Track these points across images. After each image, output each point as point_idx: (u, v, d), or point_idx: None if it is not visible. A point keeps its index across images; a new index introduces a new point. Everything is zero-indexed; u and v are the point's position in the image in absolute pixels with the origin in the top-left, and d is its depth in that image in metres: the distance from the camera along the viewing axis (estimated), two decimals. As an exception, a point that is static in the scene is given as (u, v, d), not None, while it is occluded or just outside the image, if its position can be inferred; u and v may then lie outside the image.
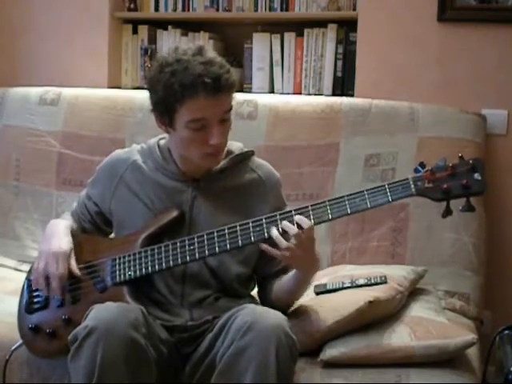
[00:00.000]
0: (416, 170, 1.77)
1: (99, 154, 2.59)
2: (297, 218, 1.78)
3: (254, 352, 1.63)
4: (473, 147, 2.46)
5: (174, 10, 3.03)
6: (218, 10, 2.98)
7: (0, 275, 2.59)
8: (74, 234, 2.00)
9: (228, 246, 1.82)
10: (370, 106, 2.56)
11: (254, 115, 2.63)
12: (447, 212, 1.76)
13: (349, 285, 2.02)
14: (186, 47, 1.85)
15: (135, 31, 3.08)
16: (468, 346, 1.86)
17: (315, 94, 2.84)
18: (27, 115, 2.86)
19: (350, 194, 1.78)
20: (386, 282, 2.00)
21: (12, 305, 2.05)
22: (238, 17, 2.98)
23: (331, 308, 1.93)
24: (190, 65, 1.79)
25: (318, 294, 2.05)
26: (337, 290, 2.03)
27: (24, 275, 2.10)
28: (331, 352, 1.86)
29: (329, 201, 1.79)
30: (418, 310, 2.05)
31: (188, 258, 1.84)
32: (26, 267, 2.47)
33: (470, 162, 1.74)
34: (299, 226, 1.76)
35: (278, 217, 1.80)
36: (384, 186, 1.77)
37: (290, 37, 2.88)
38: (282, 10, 2.90)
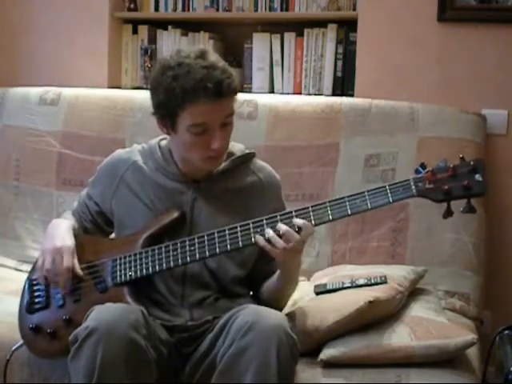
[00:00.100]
0: (417, 171, 1.77)
1: (99, 154, 2.59)
2: (300, 222, 1.77)
3: (255, 352, 1.63)
4: (473, 147, 2.46)
5: (174, 10, 3.03)
6: (218, 10, 2.98)
7: (0, 275, 2.59)
8: (75, 235, 2.00)
9: (229, 246, 1.82)
10: (370, 106, 2.57)
11: (254, 115, 2.64)
12: (448, 213, 1.76)
13: (349, 285, 2.02)
14: (189, 50, 1.84)
15: (135, 31, 3.08)
16: (468, 345, 1.86)
17: (315, 94, 2.84)
18: (27, 115, 2.86)
19: (351, 195, 1.78)
20: (385, 282, 2.00)
21: (12, 305, 2.05)
22: (238, 17, 2.98)
23: (331, 308, 1.93)
24: (191, 69, 1.78)
25: (318, 294, 2.06)
26: (337, 289, 2.03)
27: (24, 275, 2.10)
28: (331, 352, 1.86)
29: (329, 202, 1.79)
30: (418, 310, 2.05)
31: (188, 258, 1.84)
32: (26, 267, 2.48)
33: (471, 163, 1.74)
34: (300, 229, 1.76)
35: (278, 218, 1.80)
36: (385, 186, 1.77)
37: (290, 37, 2.88)
38: (282, 10, 2.90)
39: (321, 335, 1.90)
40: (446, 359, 1.85)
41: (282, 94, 2.89)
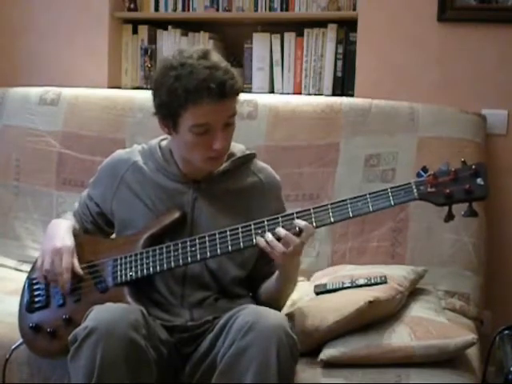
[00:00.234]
0: (418, 175, 1.77)
1: (99, 154, 2.60)
2: (301, 223, 1.77)
3: (255, 352, 1.63)
4: (473, 147, 2.46)
5: (174, 9, 3.03)
6: (218, 10, 2.98)
7: (0, 275, 2.59)
8: (75, 234, 2.00)
9: (230, 247, 1.82)
10: (370, 106, 2.56)
11: (254, 115, 2.64)
12: (449, 217, 1.76)
13: (349, 285, 2.02)
14: (191, 50, 1.84)
15: (135, 31, 3.08)
16: (468, 345, 1.86)
17: (315, 94, 2.84)
18: (27, 115, 2.86)
19: (352, 198, 1.78)
20: (385, 282, 2.00)
21: (12, 305, 2.05)
22: (238, 17, 2.98)
23: (331, 308, 1.93)
24: (194, 69, 1.78)
25: (318, 294, 2.06)
26: (337, 289, 2.03)
27: (24, 275, 2.10)
28: (331, 352, 1.86)
29: (331, 204, 1.79)
30: (418, 310, 2.04)
31: (189, 259, 1.84)
32: (26, 267, 2.47)
33: (473, 166, 1.74)
34: (301, 230, 1.76)
35: (280, 219, 1.80)
36: (386, 190, 1.77)
37: (290, 37, 2.88)
38: (282, 10, 2.90)
39: (321, 335, 1.90)
40: (446, 359, 1.85)
41: (282, 94, 2.89)
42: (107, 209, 2.04)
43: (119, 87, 3.09)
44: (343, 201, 1.79)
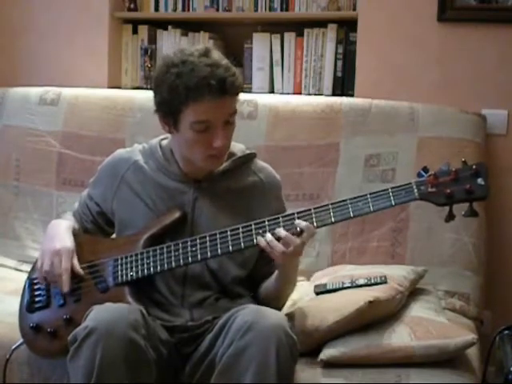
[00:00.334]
0: (419, 175, 1.78)
1: (99, 154, 2.60)
2: (302, 224, 1.77)
3: (254, 352, 1.63)
4: (473, 147, 2.46)
5: (174, 10, 3.03)
6: (218, 10, 2.98)
7: (0, 275, 2.59)
8: (75, 234, 2.00)
9: (230, 247, 1.82)
10: (370, 106, 2.56)
11: (254, 115, 2.64)
12: (450, 217, 1.76)
13: (349, 285, 2.02)
14: (193, 48, 1.84)
15: (135, 31, 3.08)
16: (468, 345, 1.86)
17: (315, 94, 2.84)
18: (27, 115, 2.86)
19: (353, 198, 1.78)
20: (385, 282, 2.00)
21: (12, 305, 2.05)
22: (238, 17, 2.98)
23: (331, 308, 1.93)
24: (195, 67, 1.78)
25: (318, 294, 2.06)
26: (337, 289, 2.03)
27: (24, 275, 2.10)
28: (331, 352, 1.86)
29: (332, 204, 1.79)
30: (418, 310, 2.04)
31: (190, 259, 1.84)
32: (26, 267, 2.48)
33: (474, 166, 1.74)
34: (302, 231, 1.76)
35: (280, 219, 1.80)
36: (387, 190, 1.77)
37: (289, 37, 2.88)
38: (282, 10, 2.90)
39: (321, 335, 1.90)
40: (446, 359, 1.85)
41: (282, 94, 2.89)
42: (107, 208, 2.04)
43: (119, 87, 3.09)
44: (344, 201, 1.79)
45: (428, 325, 1.92)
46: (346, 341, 1.88)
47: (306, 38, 2.85)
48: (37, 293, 1.98)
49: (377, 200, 1.77)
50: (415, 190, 1.76)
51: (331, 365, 1.86)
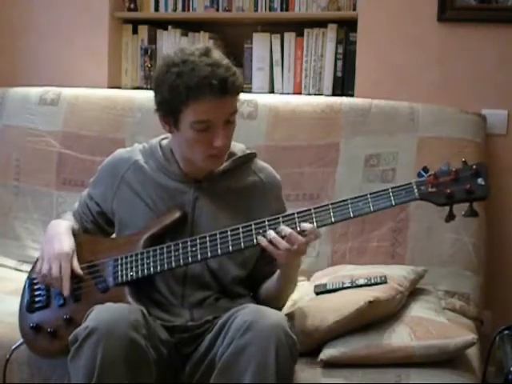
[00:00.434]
0: (419, 175, 1.78)
1: (99, 154, 2.60)
2: (308, 227, 1.77)
3: (254, 351, 1.63)
4: (473, 147, 2.46)
5: (174, 10, 3.04)
6: (218, 10, 2.98)
7: (0, 275, 2.59)
8: (75, 234, 2.00)
9: (230, 247, 1.82)
10: (370, 106, 2.56)
11: (254, 115, 2.64)
12: (450, 217, 1.76)
13: (349, 285, 2.02)
14: (193, 48, 1.84)
15: (135, 31, 3.08)
16: (468, 345, 1.86)
17: (315, 94, 2.84)
18: (27, 115, 2.86)
19: (353, 198, 1.78)
20: (385, 282, 2.00)
21: (12, 305, 2.05)
22: (238, 17, 2.98)
23: (331, 308, 1.93)
24: (196, 66, 1.78)
25: (318, 294, 2.06)
26: (337, 289, 2.03)
27: (24, 275, 2.10)
28: (331, 352, 1.86)
29: (332, 204, 1.79)
30: (418, 310, 2.04)
31: (190, 259, 1.84)
32: (26, 267, 2.48)
33: (474, 166, 1.74)
34: (306, 233, 1.76)
35: (280, 220, 1.80)
36: (387, 190, 1.77)
37: (289, 37, 2.88)
38: (282, 10, 2.90)
39: (321, 335, 1.90)
40: (446, 359, 1.85)
41: (282, 94, 2.89)
42: (108, 208, 2.03)
43: (119, 87, 3.09)
44: (344, 201, 1.79)
45: (428, 325, 1.92)
46: (346, 341, 1.88)
47: (306, 38, 2.85)
48: (37, 293, 1.98)
49: (377, 200, 1.77)
50: (415, 190, 1.76)
51: (331, 365, 1.86)
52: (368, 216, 1.87)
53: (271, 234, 1.77)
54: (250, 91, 2.88)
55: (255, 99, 2.67)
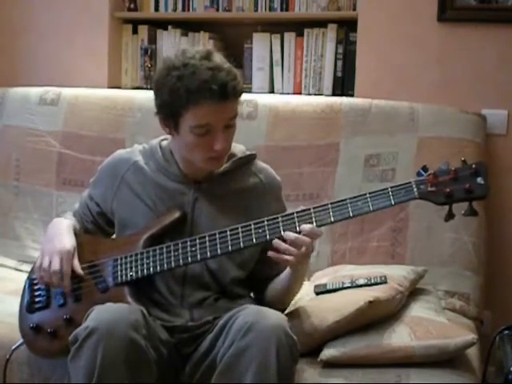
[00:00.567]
0: (419, 174, 1.78)
1: (99, 154, 2.60)
2: (307, 227, 1.77)
3: (255, 352, 1.63)
4: (473, 147, 2.46)
5: (174, 9, 3.04)
6: (218, 10, 2.98)
7: (0, 275, 2.59)
8: (76, 234, 2.00)
9: (230, 247, 1.82)
10: (370, 106, 2.57)
11: (254, 115, 2.64)
12: (449, 216, 1.76)
13: (349, 285, 2.02)
14: (194, 51, 1.83)
15: (135, 31, 3.08)
16: (468, 345, 1.86)
17: (315, 94, 2.84)
18: (27, 115, 2.86)
19: (353, 197, 1.78)
20: (385, 282, 2.00)
21: (12, 305, 2.05)
22: (238, 17, 2.98)
23: (331, 308, 1.93)
24: (197, 70, 1.77)
25: (318, 294, 2.06)
26: (337, 289, 2.03)
27: (24, 275, 2.10)
28: (331, 352, 1.86)
29: (331, 204, 1.79)
30: (418, 310, 2.05)
31: (189, 259, 1.84)
32: (26, 267, 2.48)
33: (473, 166, 1.74)
34: (307, 234, 1.76)
35: (279, 219, 1.80)
36: (387, 189, 1.77)
37: (289, 37, 2.88)
38: (282, 10, 2.90)
39: (321, 335, 1.90)
40: (446, 359, 1.85)
41: (282, 94, 2.89)
42: (108, 208, 2.04)
43: (119, 87, 3.09)
44: (343, 200, 1.79)
45: (428, 325, 1.92)
46: (346, 341, 1.88)
47: (306, 38, 2.85)
48: (37, 293, 1.98)
49: (376, 199, 1.77)
50: (415, 189, 1.76)
51: (331, 365, 1.86)
52: (367, 216, 1.87)
53: (281, 244, 1.77)
54: (249, 91, 2.88)
55: (255, 99, 2.67)
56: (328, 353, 1.86)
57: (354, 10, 2.81)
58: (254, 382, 1.63)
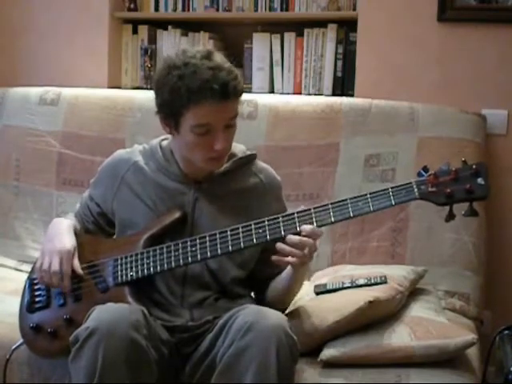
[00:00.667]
0: (419, 174, 1.78)
1: (99, 154, 2.60)
2: (308, 228, 1.77)
3: (255, 352, 1.63)
4: (473, 147, 2.46)
5: (174, 10, 3.04)
6: (218, 10, 2.98)
7: (0, 275, 2.59)
8: (77, 234, 2.00)
9: (230, 247, 1.82)
10: (370, 106, 2.57)
11: (254, 115, 2.64)
12: (450, 216, 1.76)
13: (349, 285, 2.02)
14: (195, 50, 1.84)
15: (135, 31, 3.08)
16: (468, 345, 1.86)
17: (315, 94, 2.84)
18: (27, 115, 2.86)
19: (353, 197, 1.78)
20: (385, 282, 2.00)
21: (12, 305, 2.05)
22: (238, 17, 2.98)
23: (331, 308, 1.93)
24: (197, 69, 1.77)
25: (318, 294, 2.06)
26: (337, 289, 2.03)
27: (24, 275, 2.10)
28: (331, 352, 1.86)
29: (331, 204, 1.79)
30: (418, 310, 2.05)
31: (190, 259, 1.84)
32: (26, 267, 2.48)
33: (474, 166, 1.74)
34: (308, 234, 1.76)
35: (280, 219, 1.80)
36: (387, 189, 1.77)
37: (289, 37, 2.88)
38: (282, 10, 2.90)
39: (321, 335, 1.90)
40: (446, 359, 1.85)
41: (282, 94, 2.89)
42: (108, 209, 2.04)
43: (119, 87, 3.09)
44: (344, 200, 1.79)
45: (428, 325, 1.92)
46: (346, 341, 1.88)
47: (306, 38, 2.85)
48: (37, 293, 1.98)
49: (377, 200, 1.77)
50: (415, 190, 1.76)
51: (331, 365, 1.86)
52: (368, 216, 1.87)
53: (285, 248, 1.77)
54: (249, 91, 2.88)
55: (255, 99, 2.67)
56: (328, 353, 1.87)
57: (354, 10, 2.81)
58: (253, 382, 1.63)
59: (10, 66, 3.16)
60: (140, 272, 1.87)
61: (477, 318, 2.35)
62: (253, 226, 1.81)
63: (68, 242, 1.94)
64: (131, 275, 1.87)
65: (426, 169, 1.78)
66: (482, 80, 2.63)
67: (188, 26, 3.04)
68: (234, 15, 2.97)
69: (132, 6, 3.08)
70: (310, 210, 1.80)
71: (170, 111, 1.83)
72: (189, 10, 3.02)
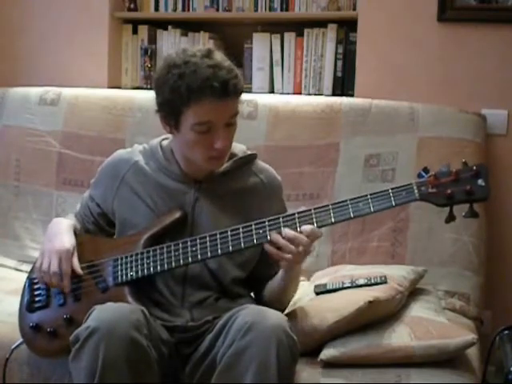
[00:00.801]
0: (419, 175, 1.78)
1: (99, 154, 2.60)
2: (308, 228, 1.77)
3: (255, 352, 1.63)
4: (473, 147, 2.46)
5: (174, 10, 3.04)
6: (218, 10, 2.98)
7: (0, 275, 2.59)
8: (77, 234, 2.00)
9: (230, 248, 1.82)
10: (370, 106, 2.57)
11: (254, 115, 2.64)
12: (450, 217, 1.76)
13: (349, 285, 2.02)
14: (195, 49, 1.84)
15: (135, 31, 3.08)
16: (468, 345, 1.86)
17: (315, 94, 2.84)
18: (27, 115, 2.86)
19: (353, 198, 1.78)
20: (386, 282, 2.00)
21: (12, 305, 2.05)
22: (238, 17, 2.98)
23: (331, 308, 1.93)
24: (198, 68, 1.78)
25: (318, 293, 2.06)
26: (337, 289, 2.03)
27: (24, 275, 2.10)
28: (331, 352, 1.86)
29: (332, 205, 1.79)
30: (418, 310, 2.05)
31: (190, 259, 1.84)
32: (26, 267, 2.48)
33: (474, 167, 1.74)
34: (308, 235, 1.76)
35: (281, 220, 1.80)
36: (388, 190, 1.77)
37: (289, 37, 2.88)
38: (282, 10, 2.90)
39: (321, 335, 1.90)
40: (446, 359, 1.85)
41: (282, 94, 2.89)
42: (108, 209, 2.03)
43: (119, 87, 3.09)
44: (344, 201, 1.79)
45: (428, 325, 1.92)
46: (346, 341, 1.88)
47: (306, 38, 2.85)
48: (37, 292, 1.98)
49: (377, 200, 1.77)
50: (416, 191, 1.76)
51: (331, 365, 1.86)
52: (368, 216, 1.87)
53: (280, 239, 1.77)
54: (250, 91, 2.88)
55: (255, 99, 2.67)
56: (328, 353, 1.86)
57: (354, 9, 2.81)
58: (253, 382, 1.63)
59: (9, 66, 3.16)
60: (140, 272, 1.87)
61: (477, 318, 2.35)
62: (253, 227, 1.81)
63: (67, 241, 1.94)
64: (131, 275, 1.87)
65: (426, 170, 1.78)
66: (481, 80, 2.63)
67: (188, 26, 3.04)
68: (233, 15, 2.97)
69: (132, 5, 3.08)
70: (310, 210, 1.80)
71: (170, 110, 1.83)
72: (189, 9, 3.02)
